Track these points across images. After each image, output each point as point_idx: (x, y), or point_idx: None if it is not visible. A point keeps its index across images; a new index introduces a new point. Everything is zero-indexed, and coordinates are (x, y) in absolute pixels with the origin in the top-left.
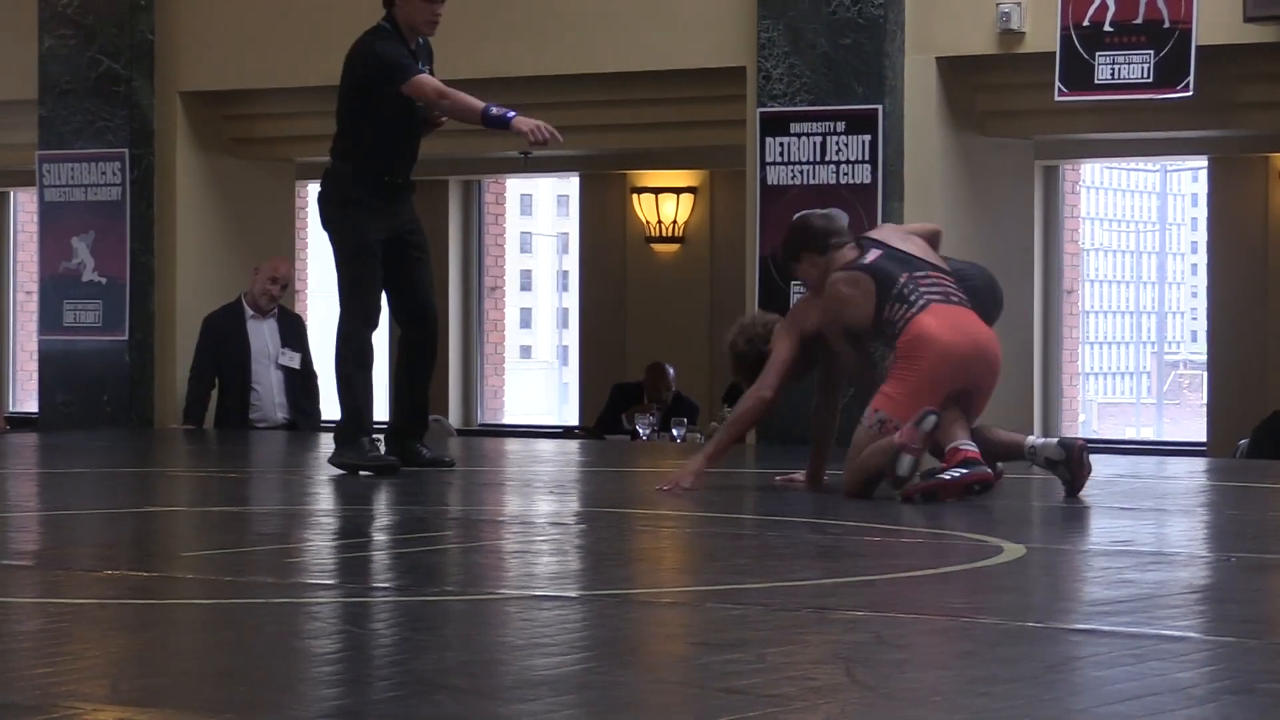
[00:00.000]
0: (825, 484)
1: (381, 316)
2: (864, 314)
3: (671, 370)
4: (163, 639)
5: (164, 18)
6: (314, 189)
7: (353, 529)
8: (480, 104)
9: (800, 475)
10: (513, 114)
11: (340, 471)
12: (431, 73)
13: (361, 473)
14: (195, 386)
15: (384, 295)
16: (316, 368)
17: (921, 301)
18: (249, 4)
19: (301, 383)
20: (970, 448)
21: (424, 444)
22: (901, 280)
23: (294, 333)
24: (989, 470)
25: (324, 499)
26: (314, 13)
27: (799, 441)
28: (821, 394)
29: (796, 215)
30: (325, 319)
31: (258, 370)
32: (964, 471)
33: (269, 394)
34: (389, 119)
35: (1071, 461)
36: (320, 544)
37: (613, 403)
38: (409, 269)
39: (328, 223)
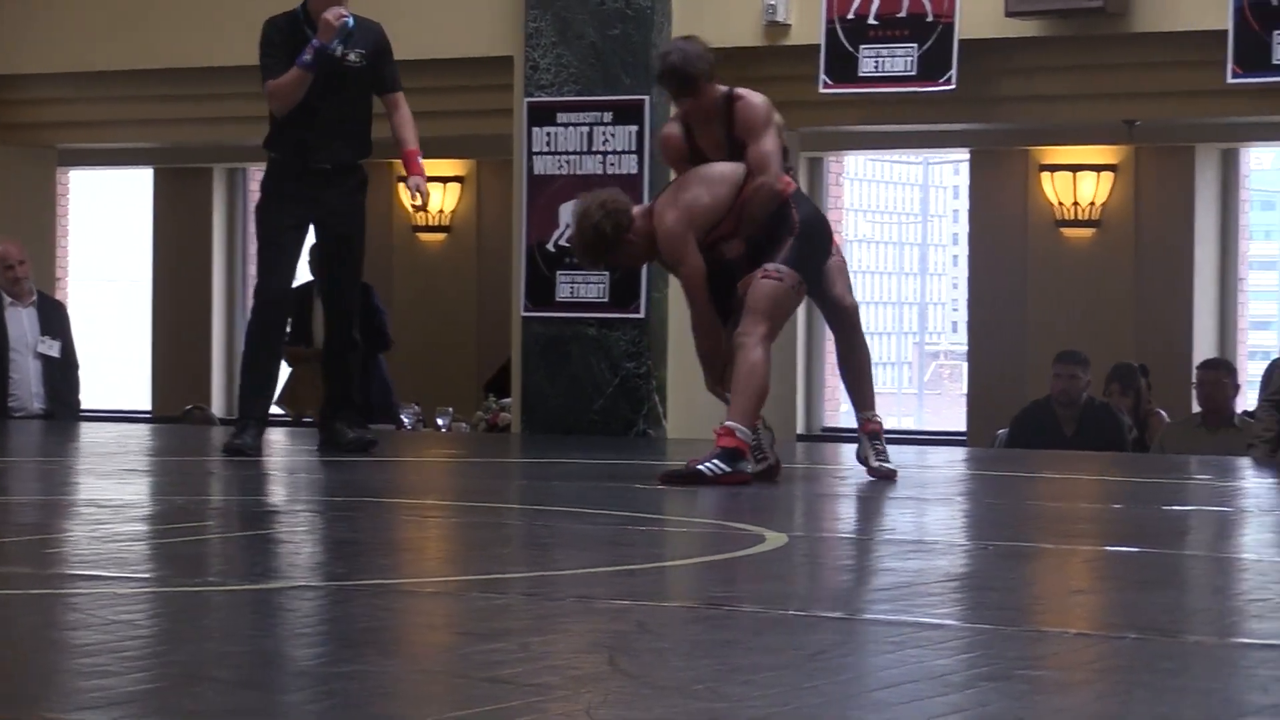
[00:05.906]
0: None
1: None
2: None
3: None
4: None
5: None
6: (77, 175)
7: (113, 519)
8: (298, 66)
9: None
10: (315, 43)
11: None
12: (376, 56)
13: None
14: None
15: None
16: (79, 356)
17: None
18: None
19: (61, 372)
20: (747, 437)
21: (349, 425)
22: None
23: (55, 320)
24: (748, 474)
25: (84, 489)
26: None
27: (563, 431)
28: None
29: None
30: (89, 306)
31: (16, 359)
32: (724, 470)
33: (26, 383)
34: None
35: None
36: (79, 534)
37: None
38: (330, 268)
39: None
